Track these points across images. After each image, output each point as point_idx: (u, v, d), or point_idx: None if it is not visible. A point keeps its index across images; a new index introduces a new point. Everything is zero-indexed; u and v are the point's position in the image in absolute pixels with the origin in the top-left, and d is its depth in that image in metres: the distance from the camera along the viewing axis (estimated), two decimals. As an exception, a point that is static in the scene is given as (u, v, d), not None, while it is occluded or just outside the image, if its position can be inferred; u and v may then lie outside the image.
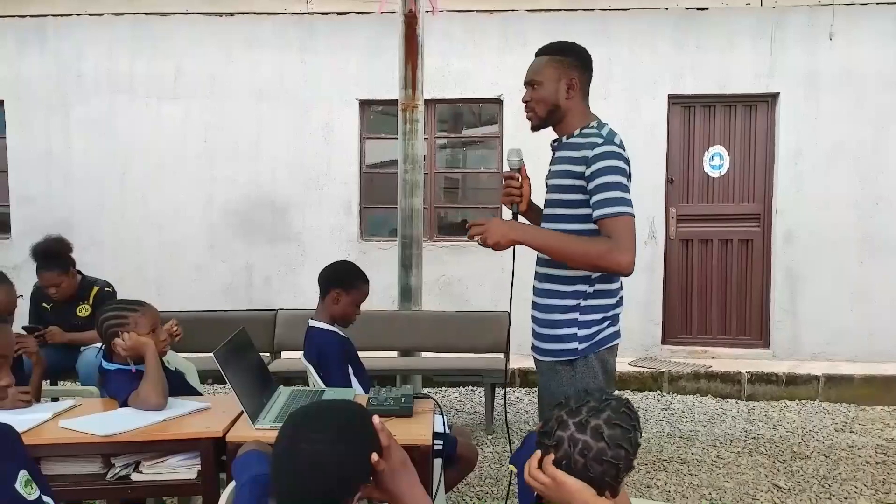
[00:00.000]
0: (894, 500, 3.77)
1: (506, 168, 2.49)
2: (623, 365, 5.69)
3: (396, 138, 5.31)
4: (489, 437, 4.78)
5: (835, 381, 5.78)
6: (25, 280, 4.19)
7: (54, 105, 6.88)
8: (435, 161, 6.92)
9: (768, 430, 4.96)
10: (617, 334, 2.38)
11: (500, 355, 4.96)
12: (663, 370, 6.02)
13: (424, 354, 5.47)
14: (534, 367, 2.47)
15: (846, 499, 3.78)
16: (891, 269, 6.34)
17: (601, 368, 2.32)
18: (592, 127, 2.31)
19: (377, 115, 6.98)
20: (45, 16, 6.83)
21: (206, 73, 6.81)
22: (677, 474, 4.12)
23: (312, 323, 3.06)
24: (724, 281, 6.66)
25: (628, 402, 1.58)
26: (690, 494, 3.83)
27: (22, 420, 2.31)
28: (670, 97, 6.54)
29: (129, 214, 6.90)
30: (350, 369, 2.98)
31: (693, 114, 6.64)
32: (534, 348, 2.42)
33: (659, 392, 5.92)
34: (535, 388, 2.82)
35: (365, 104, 6.83)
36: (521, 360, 5.28)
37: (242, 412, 2.38)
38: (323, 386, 2.84)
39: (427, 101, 5.80)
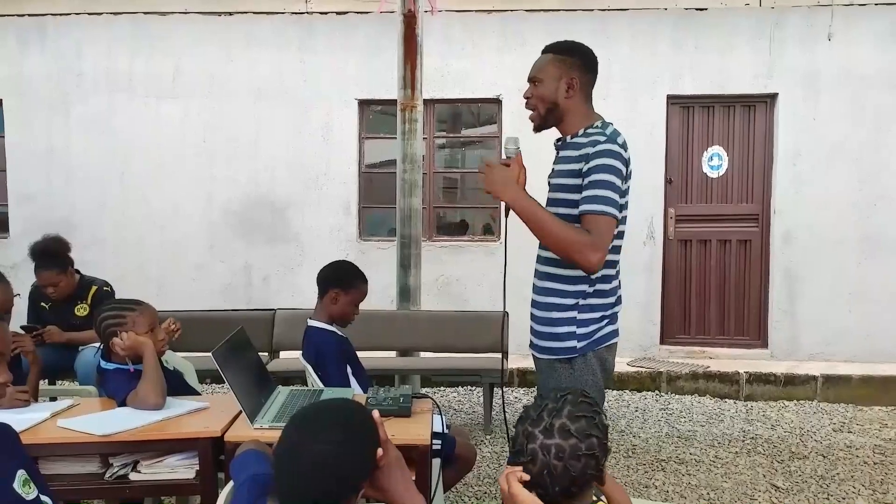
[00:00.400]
0: (892, 500, 3.77)
1: (503, 156, 2.49)
2: (621, 365, 5.69)
3: (395, 138, 5.31)
4: (488, 436, 4.78)
5: (833, 382, 5.79)
6: (24, 279, 4.19)
7: (54, 104, 6.87)
8: (434, 161, 6.92)
9: (766, 431, 4.96)
10: (615, 333, 2.39)
11: (499, 355, 4.96)
12: (661, 370, 6.02)
13: (423, 354, 5.48)
14: (532, 366, 2.48)
15: (844, 499, 3.79)
16: (889, 269, 6.34)
17: (600, 367, 2.34)
18: (596, 126, 2.32)
19: (376, 115, 6.98)
20: (45, 15, 6.83)
21: (205, 73, 6.81)
22: (675, 474, 4.13)
23: (311, 322, 3.06)
24: (722, 281, 6.66)
25: (583, 391, 1.60)
26: (688, 494, 3.84)
27: (20, 419, 2.31)
28: (669, 97, 6.54)
29: (130, 213, 6.90)
30: (349, 369, 2.98)
31: (692, 114, 6.64)
32: (532, 346, 2.43)
33: (657, 392, 5.93)
34: (534, 388, 2.83)
35: (364, 104, 6.83)
36: (520, 359, 5.29)
37: (241, 412, 2.38)
38: (321, 385, 2.84)
39: (426, 101, 5.79)
